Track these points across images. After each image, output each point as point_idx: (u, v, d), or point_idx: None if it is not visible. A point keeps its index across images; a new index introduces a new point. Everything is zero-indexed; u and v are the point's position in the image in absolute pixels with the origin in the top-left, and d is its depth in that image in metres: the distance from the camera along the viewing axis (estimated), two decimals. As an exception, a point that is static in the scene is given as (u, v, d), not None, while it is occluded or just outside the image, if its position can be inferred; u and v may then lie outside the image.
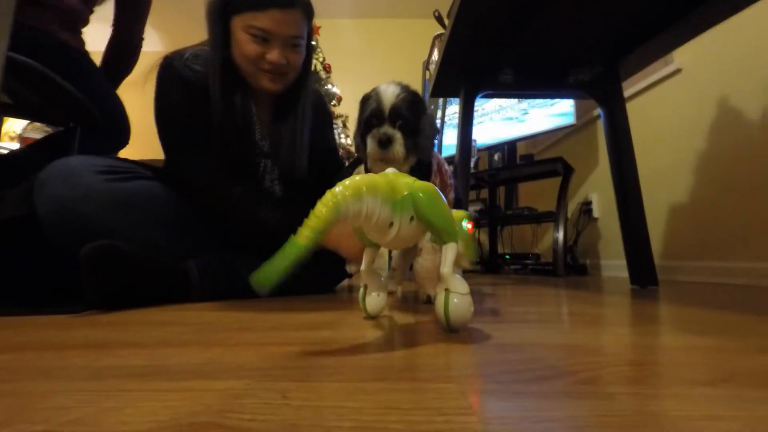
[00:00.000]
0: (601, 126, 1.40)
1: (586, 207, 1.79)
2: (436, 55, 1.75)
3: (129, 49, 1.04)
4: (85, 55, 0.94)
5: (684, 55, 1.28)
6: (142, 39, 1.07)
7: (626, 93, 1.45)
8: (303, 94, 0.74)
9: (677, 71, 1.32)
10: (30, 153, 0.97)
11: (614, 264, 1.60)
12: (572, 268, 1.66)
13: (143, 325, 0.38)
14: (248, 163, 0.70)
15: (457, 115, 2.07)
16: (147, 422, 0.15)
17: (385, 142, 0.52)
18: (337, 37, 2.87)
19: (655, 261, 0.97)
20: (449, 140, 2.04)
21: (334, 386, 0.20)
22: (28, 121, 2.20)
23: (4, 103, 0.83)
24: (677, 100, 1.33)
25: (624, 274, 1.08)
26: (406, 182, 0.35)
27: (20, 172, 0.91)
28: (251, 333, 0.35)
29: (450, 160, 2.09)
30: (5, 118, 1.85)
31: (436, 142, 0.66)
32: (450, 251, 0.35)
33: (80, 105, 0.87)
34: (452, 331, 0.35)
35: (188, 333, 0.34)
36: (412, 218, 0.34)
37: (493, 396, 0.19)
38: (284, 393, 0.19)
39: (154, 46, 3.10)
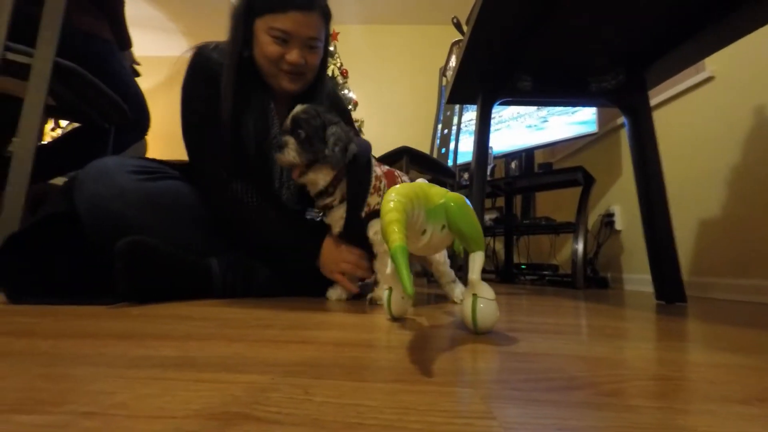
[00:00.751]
0: (625, 135, 1.36)
1: (608, 219, 1.73)
2: (453, 62, 1.75)
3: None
4: (114, 49, 0.98)
5: (716, 63, 1.23)
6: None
7: (653, 101, 1.41)
8: (319, 97, 0.76)
9: (709, 79, 1.27)
10: (64, 144, 1.03)
11: (638, 278, 1.53)
12: (592, 280, 1.60)
13: (169, 318, 0.40)
14: (264, 161, 0.72)
15: (473, 122, 2.06)
16: (183, 410, 0.16)
17: (280, 147, 0.60)
18: (355, 43, 2.93)
19: (684, 277, 0.93)
20: (465, 147, 2.03)
21: (353, 385, 0.21)
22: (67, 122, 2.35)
23: (48, 105, 0.90)
24: (709, 109, 1.28)
25: (648, 288, 1.03)
26: (438, 192, 0.37)
27: (57, 162, 0.98)
28: (270, 330, 0.36)
29: (466, 167, 2.08)
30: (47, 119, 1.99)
31: (368, 149, 0.68)
32: (478, 259, 0.37)
33: (117, 106, 0.93)
34: (479, 334, 0.36)
35: (211, 327, 0.36)
36: (443, 227, 0.36)
37: (511, 402, 0.19)
38: (306, 389, 0.20)
39: (180, 51, 3.27)
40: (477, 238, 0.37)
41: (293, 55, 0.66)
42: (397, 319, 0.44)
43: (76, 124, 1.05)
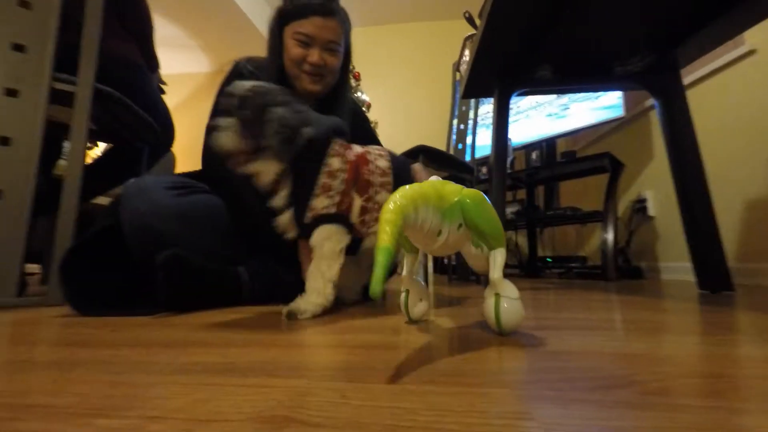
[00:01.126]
0: (655, 117, 1.28)
1: (639, 205, 1.64)
2: (467, 57, 1.72)
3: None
4: (145, 71, 1.03)
5: (757, 35, 1.13)
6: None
7: (686, 80, 1.32)
8: (341, 100, 0.81)
9: (750, 53, 1.17)
10: (102, 166, 1.11)
11: (676, 266, 1.44)
12: (625, 271, 1.53)
13: (208, 326, 0.42)
14: None
15: (490, 115, 2.01)
16: (236, 413, 0.18)
17: (214, 129, 0.51)
18: (364, 45, 2.94)
19: (729, 263, 0.87)
20: (483, 141, 1.99)
21: (386, 388, 0.21)
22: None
23: (89, 129, 0.96)
24: (751, 84, 1.18)
25: (689, 277, 0.97)
26: (453, 189, 0.35)
27: (96, 183, 1.05)
28: (300, 335, 0.37)
29: (484, 161, 2.04)
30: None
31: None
32: (499, 256, 0.35)
33: (150, 127, 0.98)
34: (503, 335, 0.35)
35: (246, 334, 0.37)
36: (460, 225, 0.35)
37: (549, 402, 0.19)
38: (342, 393, 0.20)
39: (201, 67, 3.41)
40: (497, 234, 0.36)
41: (314, 56, 0.72)
42: (416, 321, 0.44)
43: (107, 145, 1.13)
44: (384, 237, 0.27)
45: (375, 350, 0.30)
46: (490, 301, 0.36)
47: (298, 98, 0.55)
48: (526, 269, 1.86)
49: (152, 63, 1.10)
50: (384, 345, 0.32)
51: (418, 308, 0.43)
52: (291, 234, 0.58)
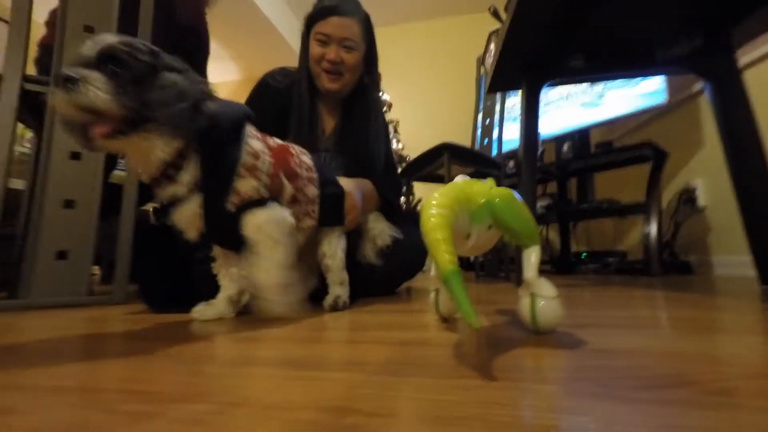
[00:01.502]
0: (704, 102, 1.18)
1: (687, 195, 1.52)
2: (492, 51, 1.68)
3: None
4: None
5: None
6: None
7: (742, 60, 1.20)
8: (367, 101, 0.85)
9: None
10: None
11: (731, 260, 1.33)
12: (671, 266, 1.43)
13: (263, 322, 0.45)
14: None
15: (517, 108, 1.95)
16: (301, 402, 0.19)
17: (70, 81, 0.34)
18: (384, 45, 2.94)
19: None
20: (510, 134, 1.93)
21: (432, 382, 0.22)
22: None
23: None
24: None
25: (747, 272, 0.89)
26: (481, 190, 0.34)
27: (148, 188, 1.14)
28: (341, 332, 0.39)
29: (511, 155, 1.98)
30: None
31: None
32: (533, 255, 0.34)
33: None
34: (540, 334, 0.34)
35: (295, 330, 0.40)
36: (490, 226, 0.33)
37: (600, 399, 0.19)
38: (393, 386, 0.22)
39: (231, 75, 3.57)
40: (529, 233, 0.34)
41: (331, 53, 0.77)
42: (446, 319, 0.43)
43: None
44: (446, 259, 0.25)
45: (413, 346, 0.32)
46: (525, 301, 0.34)
47: (195, 73, 0.42)
48: (559, 265, 1.79)
49: None
50: (421, 342, 0.33)
51: (448, 306, 0.43)
52: (193, 232, 0.45)
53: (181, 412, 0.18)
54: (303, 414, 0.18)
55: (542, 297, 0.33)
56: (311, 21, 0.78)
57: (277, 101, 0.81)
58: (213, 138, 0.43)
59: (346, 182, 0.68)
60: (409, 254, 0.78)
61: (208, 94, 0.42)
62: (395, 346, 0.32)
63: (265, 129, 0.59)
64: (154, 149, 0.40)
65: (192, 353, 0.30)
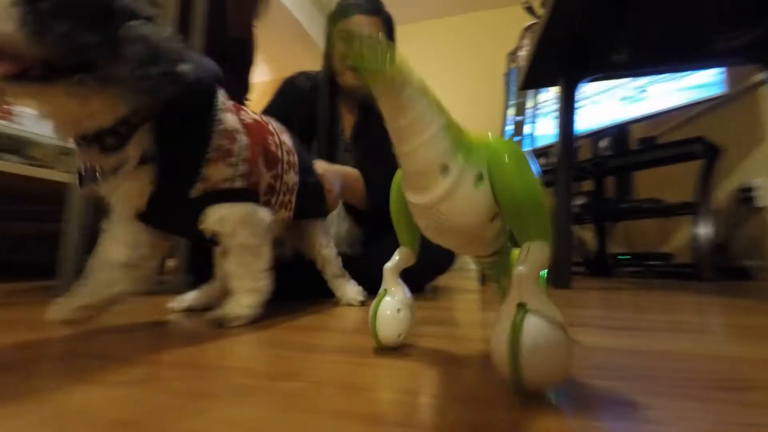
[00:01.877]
0: (764, 95, 1.09)
1: (745, 195, 1.40)
2: (526, 47, 1.63)
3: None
4: (239, 97, 1.14)
5: None
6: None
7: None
8: None
9: None
10: None
11: (794, 267, 1.21)
12: (726, 270, 1.33)
13: (310, 313, 0.48)
14: (329, 151, 0.84)
15: (549, 103, 1.88)
16: (377, 384, 0.22)
17: None
18: (404, 42, 2.93)
19: None
20: (543, 130, 1.87)
21: (480, 372, 0.23)
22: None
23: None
24: None
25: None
26: (481, 135, 0.23)
27: None
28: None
29: (544, 151, 1.91)
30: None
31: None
32: (536, 250, 0.20)
33: None
34: (520, 393, 0.19)
35: (347, 322, 0.43)
36: (480, 177, 0.20)
37: (665, 397, 0.19)
38: (446, 372, 0.23)
39: (263, 76, 3.72)
40: (537, 212, 0.20)
41: None
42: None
43: None
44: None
45: (461, 341, 0.33)
46: (505, 324, 0.19)
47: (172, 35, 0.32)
48: (594, 267, 1.71)
49: (246, 92, 1.22)
50: (467, 337, 0.35)
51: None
52: (127, 211, 0.36)
53: (282, 387, 0.21)
54: (382, 394, 0.20)
55: (537, 313, 0.18)
56: (336, 18, 0.81)
57: (303, 101, 0.85)
58: (183, 107, 0.34)
59: (320, 165, 0.64)
60: (432, 254, 0.77)
61: (184, 53, 0.32)
62: (442, 339, 0.34)
63: (291, 128, 0.58)
64: (85, 110, 0.29)
65: (280, 339, 0.33)
